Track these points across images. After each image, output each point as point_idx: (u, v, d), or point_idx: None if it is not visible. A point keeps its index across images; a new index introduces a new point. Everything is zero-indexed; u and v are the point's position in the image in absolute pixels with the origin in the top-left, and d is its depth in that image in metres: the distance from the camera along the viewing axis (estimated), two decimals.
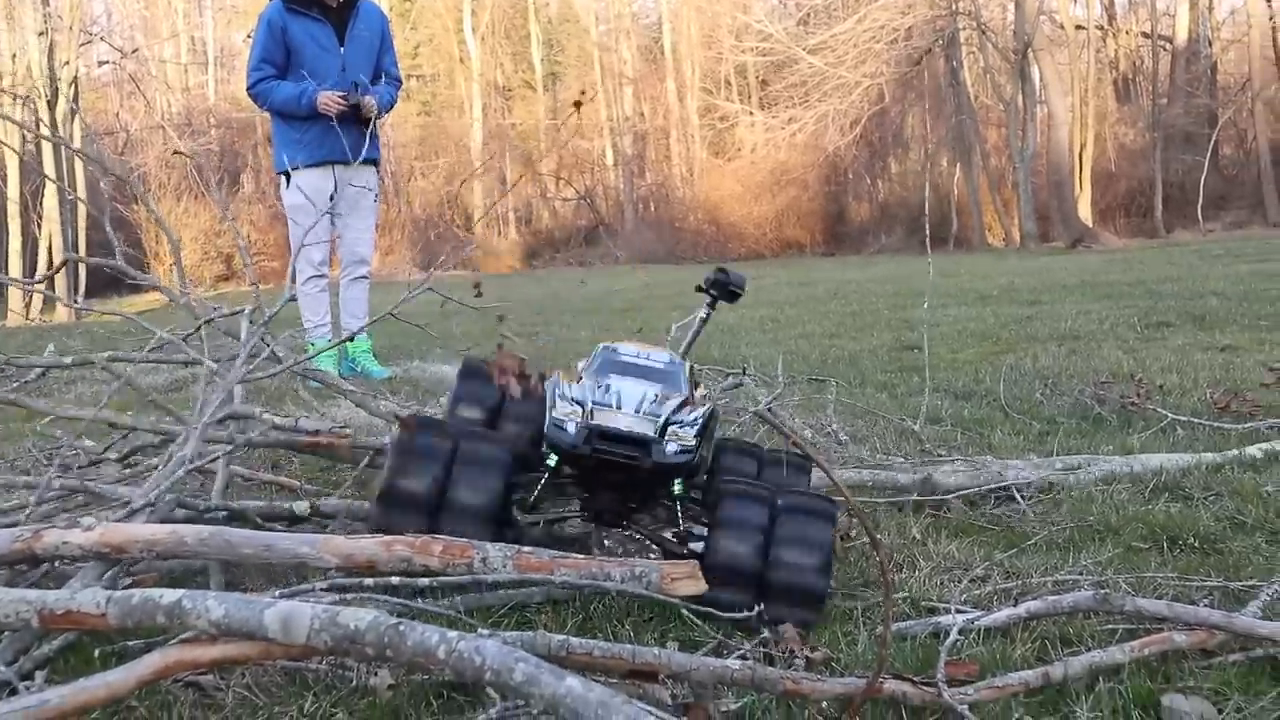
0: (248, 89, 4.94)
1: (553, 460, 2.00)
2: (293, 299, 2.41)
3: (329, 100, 4.66)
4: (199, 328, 2.62)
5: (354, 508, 2.28)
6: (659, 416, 1.94)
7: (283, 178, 4.96)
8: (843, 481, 2.06)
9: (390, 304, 2.51)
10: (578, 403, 1.95)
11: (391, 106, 5.04)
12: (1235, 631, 1.70)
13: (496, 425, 2.35)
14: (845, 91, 25.24)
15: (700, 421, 1.98)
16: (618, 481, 1.99)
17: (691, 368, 2.23)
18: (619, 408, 1.94)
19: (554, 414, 1.96)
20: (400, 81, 5.17)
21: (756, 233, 26.46)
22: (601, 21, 34.64)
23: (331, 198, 4.86)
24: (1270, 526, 2.37)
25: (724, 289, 2.55)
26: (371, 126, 4.74)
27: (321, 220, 4.75)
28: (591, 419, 1.93)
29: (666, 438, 1.93)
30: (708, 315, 2.58)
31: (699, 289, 2.58)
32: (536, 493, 2.03)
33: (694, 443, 1.95)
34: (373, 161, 5.07)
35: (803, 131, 26.35)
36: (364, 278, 5.17)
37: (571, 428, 1.93)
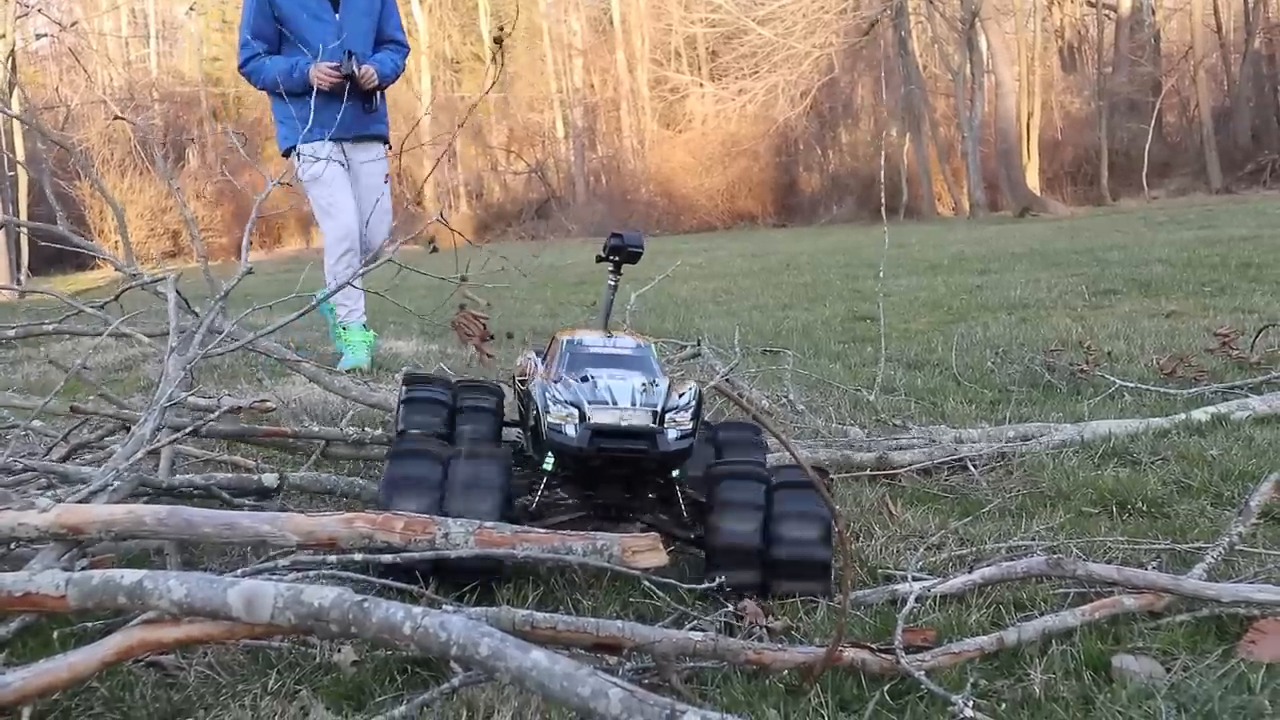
0: (239, 68, 4.55)
1: (549, 464, 1.98)
2: (249, 272, 2.36)
3: (321, 73, 4.26)
4: (118, 295, 2.58)
5: (320, 480, 2.27)
6: (655, 405, 1.93)
7: (293, 158, 4.52)
8: (802, 456, 2.08)
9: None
10: (572, 404, 1.92)
11: (397, 75, 4.59)
12: (1182, 593, 1.74)
13: (452, 429, 2.33)
14: (795, 62, 25.28)
15: (693, 404, 1.98)
16: (620, 476, 1.98)
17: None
18: (615, 403, 1.92)
19: (549, 419, 1.92)
20: (406, 47, 4.71)
21: (709, 204, 26.48)
22: None
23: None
24: (1215, 489, 2.43)
25: (624, 252, 2.51)
26: (375, 100, 4.38)
27: (346, 189, 4.38)
28: (591, 419, 1.90)
29: (666, 425, 1.92)
30: (615, 283, 2.57)
31: (599, 259, 2.54)
32: (538, 499, 2.01)
33: (690, 426, 1.95)
34: (379, 138, 4.64)
35: (753, 102, 26.37)
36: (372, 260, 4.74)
37: (572, 430, 1.90)
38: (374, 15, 4.54)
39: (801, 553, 1.90)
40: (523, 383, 2.34)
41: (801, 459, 1.50)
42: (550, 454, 1.96)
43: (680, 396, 1.97)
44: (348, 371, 4.27)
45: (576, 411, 1.91)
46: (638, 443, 1.90)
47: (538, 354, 2.42)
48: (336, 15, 4.42)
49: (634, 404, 1.92)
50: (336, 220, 4.44)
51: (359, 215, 4.46)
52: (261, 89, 4.55)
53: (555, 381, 1.99)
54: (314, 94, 4.13)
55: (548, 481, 2.01)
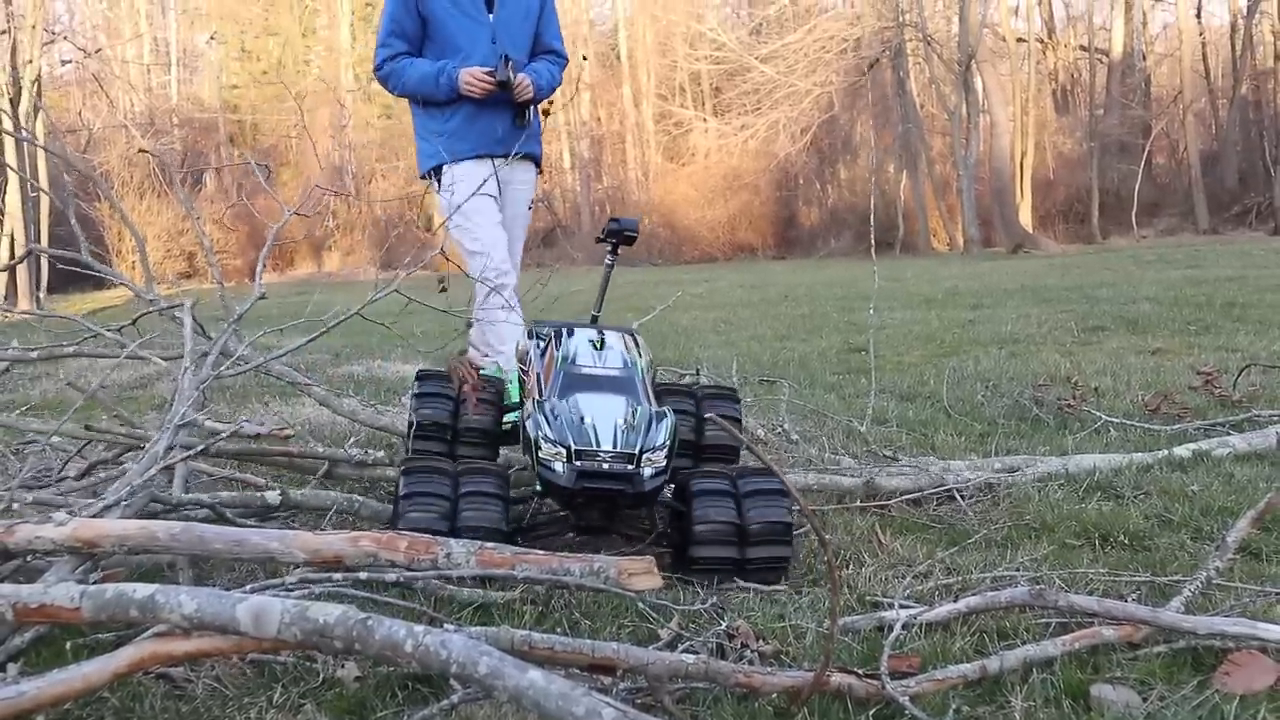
0: (375, 70, 3.87)
1: (539, 486, 2.17)
2: (263, 297, 2.39)
3: (474, 79, 3.60)
4: (135, 320, 2.63)
5: (321, 497, 2.33)
6: (634, 447, 2.12)
7: (431, 181, 3.84)
8: (793, 484, 2.15)
9: (354, 303, 2.56)
10: (560, 444, 2.10)
11: (553, 89, 3.89)
12: (1160, 626, 1.79)
13: (456, 421, 2.60)
14: (796, 99, 25.54)
15: (668, 442, 2.16)
16: (601, 508, 2.19)
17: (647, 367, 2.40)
18: (599, 444, 2.11)
19: (540, 454, 2.12)
20: (564, 58, 4.02)
21: (710, 236, 26.66)
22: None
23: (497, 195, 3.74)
24: (1195, 524, 2.49)
25: (620, 235, 2.92)
26: (529, 114, 3.73)
27: (496, 220, 3.67)
28: (577, 460, 2.10)
29: (643, 464, 2.11)
30: (612, 263, 2.90)
31: (599, 240, 2.91)
32: (529, 517, 2.23)
33: (665, 463, 2.15)
34: (531, 158, 3.88)
35: (755, 138, 26.60)
36: (509, 307, 3.70)
37: (559, 467, 2.11)
38: (533, 19, 3.89)
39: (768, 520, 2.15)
40: (524, 370, 2.59)
41: (790, 487, 1.55)
42: (542, 485, 2.16)
43: (657, 433, 2.15)
44: None
45: (564, 451, 2.10)
46: (617, 483, 2.11)
47: (538, 326, 2.65)
48: (491, 16, 3.74)
49: (615, 445, 2.12)
50: (488, 258, 3.59)
51: (510, 247, 3.78)
52: (400, 95, 3.86)
53: (546, 411, 2.16)
54: (461, 104, 3.65)
55: (537, 499, 2.23)
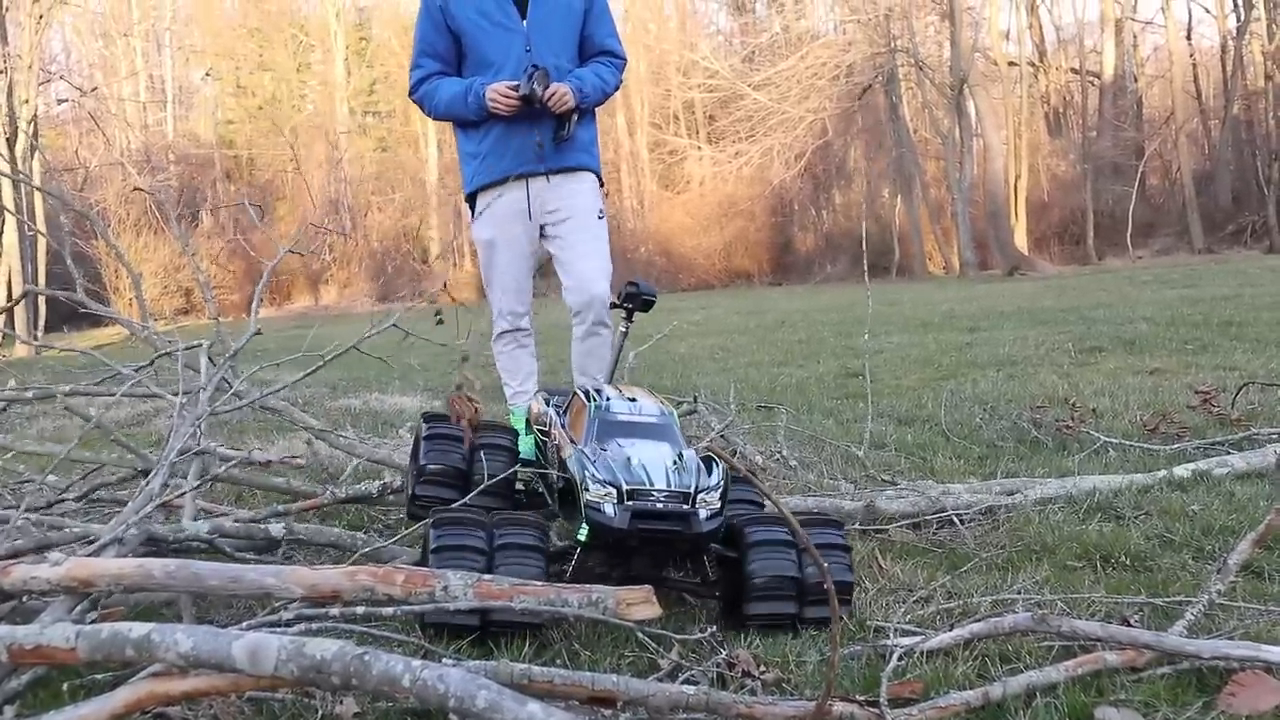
0: (410, 94, 3.65)
1: (583, 534, 2.04)
2: (258, 333, 2.40)
3: (497, 95, 3.32)
4: (154, 360, 2.64)
5: (325, 533, 2.32)
6: (688, 487, 2.02)
7: (468, 207, 3.64)
8: (789, 510, 2.14)
9: (350, 336, 2.56)
10: (610, 484, 2.00)
11: (604, 94, 3.56)
12: (1164, 650, 1.78)
13: (469, 467, 2.41)
14: (790, 126, 25.72)
15: (722, 484, 2.07)
16: (654, 551, 2.06)
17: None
18: (651, 484, 2.01)
19: (588, 496, 2.01)
20: (622, 59, 3.65)
21: (706, 263, 26.78)
22: None
23: (542, 226, 3.52)
24: (1197, 544, 2.48)
25: (638, 300, 2.66)
26: (569, 125, 3.41)
27: (519, 256, 3.51)
28: (630, 500, 1.99)
29: (698, 506, 2.01)
30: (627, 329, 2.66)
31: (613, 305, 2.65)
32: (571, 567, 2.08)
33: (719, 505, 2.04)
34: (584, 169, 3.56)
35: (749, 165, 26.77)
36: (602, 325, 3.34)
37: (610, 509, 1.99)
38: (574, 20, 3.53)
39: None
40: (542, 431, 2.44)
41: (789, 515, 1.55)
42: (585, 525, 2.03)
43: (711, 477, 2.06)
44: None
45: (615, 491, 1.99)
46: (673, 524, 1.99)
47: (550, 394, 2.49)
48: (524, 21, 3.43)
49: (669, 484, 2.01)
50: (496, 296, 3.55)
51: (528, 287, 3.61)
52: (435, 119, 3.66)
53: (589, 454, 2.07)
54: (495, 122, 3.39)
55: (582, 552, 2.08)
